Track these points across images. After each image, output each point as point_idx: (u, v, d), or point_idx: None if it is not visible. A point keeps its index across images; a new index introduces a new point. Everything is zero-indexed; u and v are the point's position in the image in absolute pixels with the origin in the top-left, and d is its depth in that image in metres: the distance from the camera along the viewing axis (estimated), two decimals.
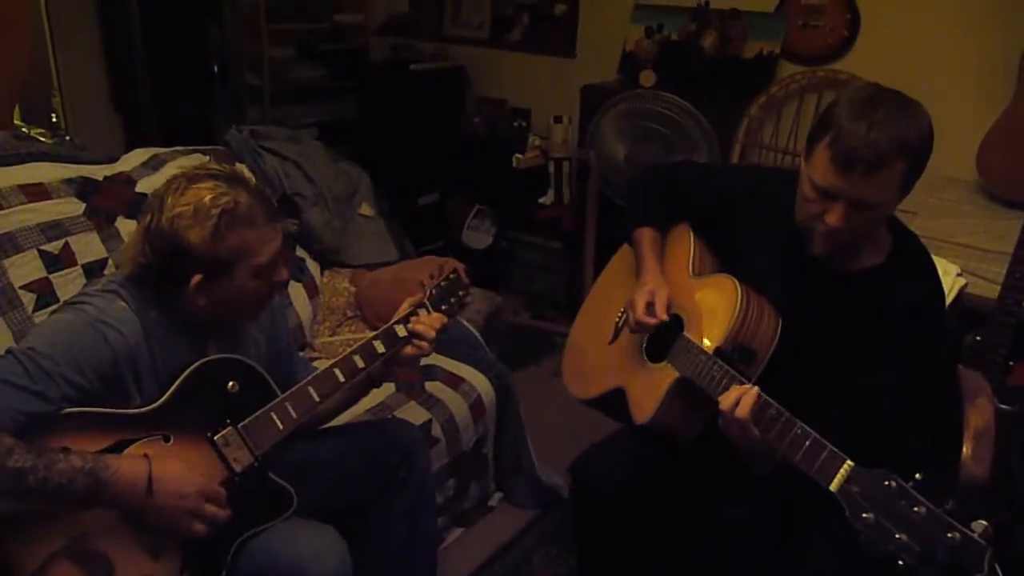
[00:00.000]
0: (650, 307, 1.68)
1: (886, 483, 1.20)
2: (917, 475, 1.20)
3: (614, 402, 1.77)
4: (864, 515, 1.20)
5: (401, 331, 1.74)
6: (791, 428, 1.35)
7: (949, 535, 1.13)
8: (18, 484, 1.29)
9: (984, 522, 1.14)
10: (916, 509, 1.16)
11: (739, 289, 1.58)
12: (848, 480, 1.24)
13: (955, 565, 1.13)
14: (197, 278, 1.47)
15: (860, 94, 1.43)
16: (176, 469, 1.43)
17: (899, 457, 1.29)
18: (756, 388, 1.42)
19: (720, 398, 1.45)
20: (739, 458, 1.51)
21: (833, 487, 1.26)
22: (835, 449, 1.28)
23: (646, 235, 1.86)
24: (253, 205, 1.50)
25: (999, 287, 1.99)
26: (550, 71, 4.23)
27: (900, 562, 1.16)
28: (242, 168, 2.58)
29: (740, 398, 1.41)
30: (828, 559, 1.58)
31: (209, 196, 1.45)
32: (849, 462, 1.26)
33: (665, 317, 1.67)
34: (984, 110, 2.86)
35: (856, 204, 1.42)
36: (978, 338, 2.01)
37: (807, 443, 1.32)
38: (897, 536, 1.16)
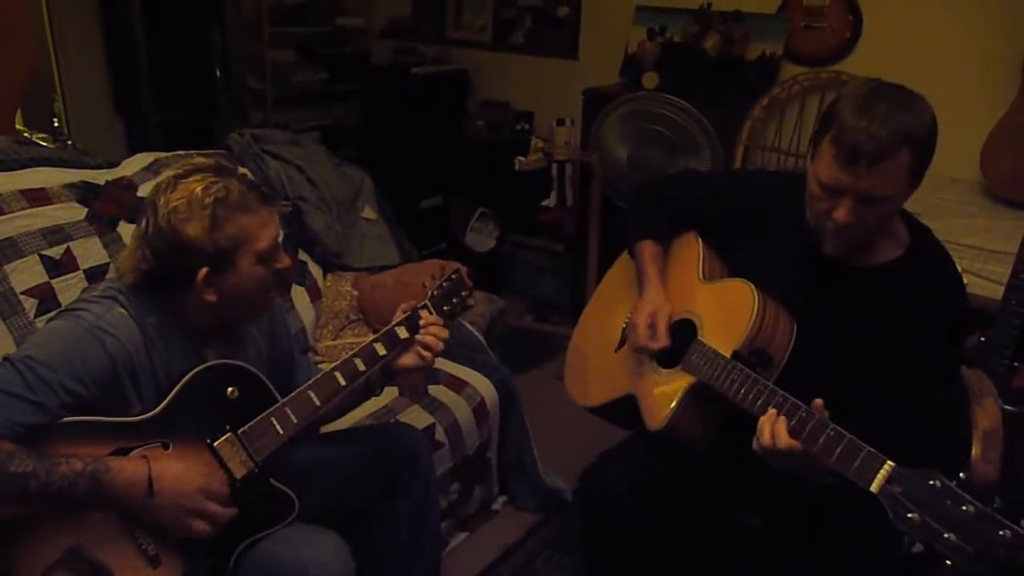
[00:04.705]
0: (651, 329, 1.68)
1: (931, 483, 1.17)
2: (961, 474, 1.17)
3: (622, 409, 1.75)
4: (909, 515, 1.17)
5: (402, 333, 1.73)
6: (823, 430, 1.32)
7: (1001, 533, 1.10)
8: (21, 489, 1.29)
9: None
10: (964, 508, 1.13)
11: (755, 293, 1.57)
12: (889, 480, 1.21)
13: (1013, 562, 1.10)
14: (204, 271, 1.47)
15: (861, 90, 1.43)
16: (176, 469, 1.43)
17: (919, 455, 1.26)
18: (783, 416, 1.38)
19: (759, 435, 1.40)
20: (799, 476, 1.46)
21: (874, 488, 1.23)
22: (873, 450, 1.25)
23: (647, 248, 1.84)
24: (245, 191, 1.50)
25: (1003, 288, 1.99)
26: (552, 74, 4.23)
27: (948, 562, 1.13)
28: (244, 172, 2.59)
29: (774, 429, 1.38)
30: (848, 569, 1.54)
31: (200, 187, 1.45)
32: (890, 463, 1.22)
33: (667, 342, 1.66)
34: (987, 110, 2.85)
35: (863, 198, 1.41)
36: (983, 339, 2.00)
37: (842, 445, 1.29)
38: (945, 536, 1.13)
